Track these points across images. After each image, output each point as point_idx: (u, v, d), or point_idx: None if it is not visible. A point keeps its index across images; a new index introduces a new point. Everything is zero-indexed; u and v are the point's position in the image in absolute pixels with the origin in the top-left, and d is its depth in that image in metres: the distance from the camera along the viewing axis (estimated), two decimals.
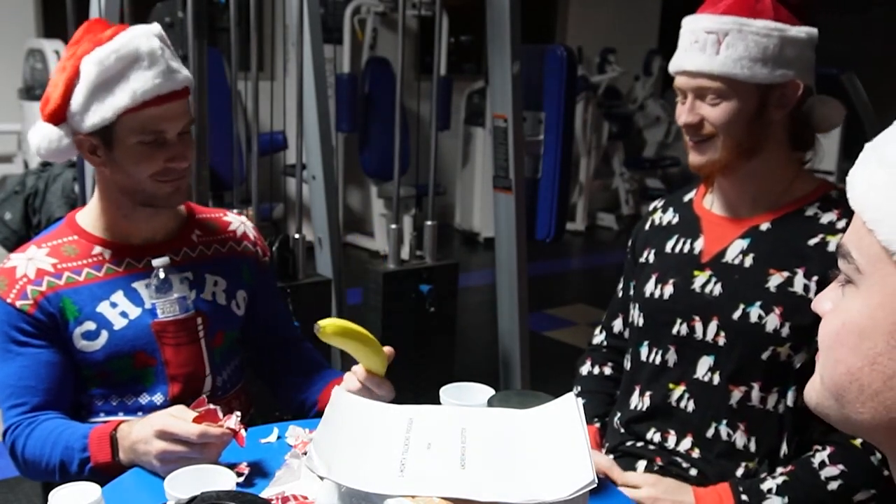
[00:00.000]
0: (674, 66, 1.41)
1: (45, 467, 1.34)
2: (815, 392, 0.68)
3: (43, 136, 1.39)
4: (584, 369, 1.68)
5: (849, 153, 5.05)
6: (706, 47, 1.34)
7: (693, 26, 1.38)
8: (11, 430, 1.37)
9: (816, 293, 1.29)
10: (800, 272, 1.34)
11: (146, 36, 1.37)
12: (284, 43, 3.03)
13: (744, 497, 1.31)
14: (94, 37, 1.37)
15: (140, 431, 1.24)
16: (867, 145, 0.67)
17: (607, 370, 1.66)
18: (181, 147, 1.41)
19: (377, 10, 5.78)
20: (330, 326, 1.27)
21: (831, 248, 1.32)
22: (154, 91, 1.34)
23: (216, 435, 1.20)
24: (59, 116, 1.38)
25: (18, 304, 1.37)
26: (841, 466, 1.30)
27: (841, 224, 1.34)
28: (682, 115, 1.40)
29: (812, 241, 1.35)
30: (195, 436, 1.19)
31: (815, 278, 1.33)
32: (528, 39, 2.89)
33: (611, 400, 1.63)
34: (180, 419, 1.21)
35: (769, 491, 1.31)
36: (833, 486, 1.30)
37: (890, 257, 0.60)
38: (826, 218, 1.36)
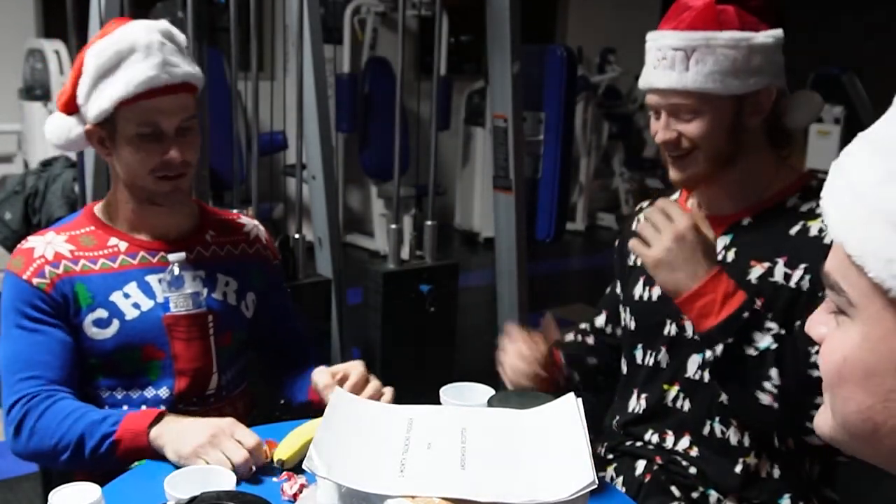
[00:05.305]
0: (644, 83, 1.40)
1: (56, 442, 1.31)
2: (827, 427, 0.66)
3: (56, 126, 1.45)
4: (567, 337, 1.71)
5: None
6: (675, 64, 1.33)
7: (659, 43, 1.36)
8: (26, 399, 1.34)
9: (801, 280, 1.29)
10: (780, 262, 1.33)
11: (146, 29, 1.40)
12: (284, 43, 3.04)
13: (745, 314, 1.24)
14: (104, 32, 1.41)
15: (202, 421, 1.28)
16: (833, 164, 0.64)
17: (590, 340, 1.69)
18: (179, 142, 1.41)
19: (377, 10, 5.78)
20: (292, 454, 1.25)
21: (813, 232, 1.31)
22: (147, 83, 1.36)
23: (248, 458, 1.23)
24: (70, 107, 1.43)
25: (35, 281, 1.38)
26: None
27: (821, 210, 1.32)
28: (659, 132, 1.39)
29: (793, 230, 1.34)
30: (241, 458, 1.21)
31: (802, 266, 1.30)
32: (528, 39, 2.89)
33: (587, 354, 1.65)
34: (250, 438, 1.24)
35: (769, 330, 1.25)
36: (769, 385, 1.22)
37: (885, 294, 0.57)
38: (806, 206, 1.35)
